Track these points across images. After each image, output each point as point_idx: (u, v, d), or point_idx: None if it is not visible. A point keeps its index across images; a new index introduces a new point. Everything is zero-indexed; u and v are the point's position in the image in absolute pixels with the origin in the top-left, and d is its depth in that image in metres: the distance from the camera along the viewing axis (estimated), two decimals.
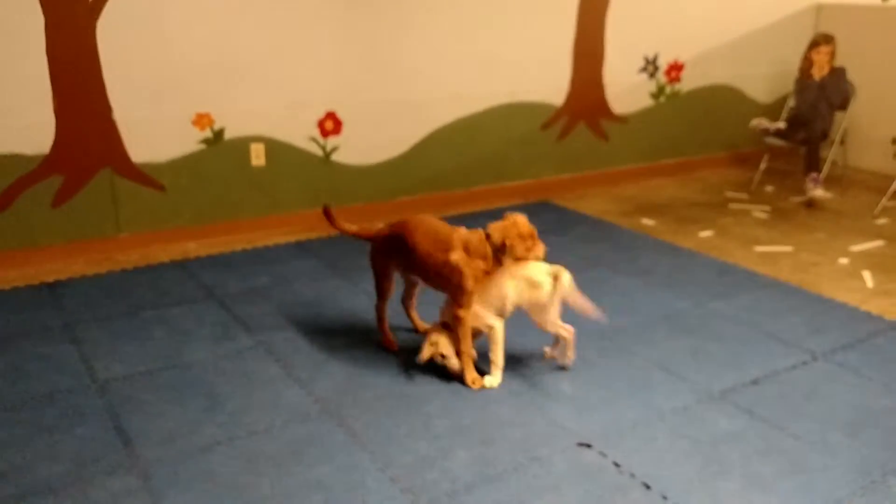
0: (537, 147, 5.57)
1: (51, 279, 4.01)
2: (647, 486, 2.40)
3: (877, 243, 4.62)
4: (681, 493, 2.38)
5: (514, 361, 3.16)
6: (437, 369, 3.07)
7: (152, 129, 4.33)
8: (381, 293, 3.24)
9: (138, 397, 2.89)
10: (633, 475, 2.46)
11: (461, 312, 2.95)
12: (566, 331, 3.05)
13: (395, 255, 3.12)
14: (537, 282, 2.98)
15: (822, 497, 2.37)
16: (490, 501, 2.33)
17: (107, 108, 4.21)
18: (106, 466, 2.49)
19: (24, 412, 2.79)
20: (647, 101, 5.94)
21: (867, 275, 4.14)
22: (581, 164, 5.81)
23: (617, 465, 2.51)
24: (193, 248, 4.48)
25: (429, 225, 3.07)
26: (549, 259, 4.31)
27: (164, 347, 3.29)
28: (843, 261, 4.34)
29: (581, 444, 2.62)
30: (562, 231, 4.79)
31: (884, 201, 5.25)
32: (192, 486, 2.39)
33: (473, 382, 2.97)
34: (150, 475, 2.44)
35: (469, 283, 2.93)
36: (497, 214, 5.05)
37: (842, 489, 2.41)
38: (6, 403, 2.84)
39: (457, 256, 2.94)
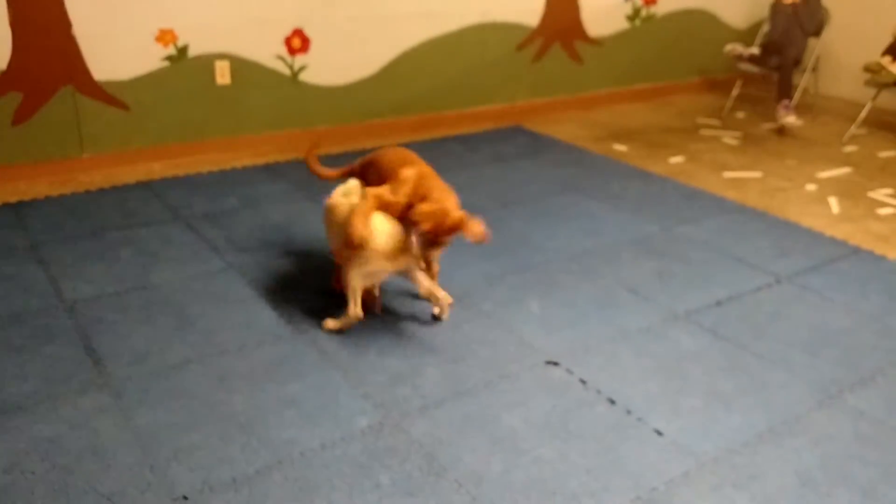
0: (511, 69, 5.49)
1: (13, 200, 3.92)
2: (612, 402, 2.47)
3: (844, 170, 4.68)
4: (644, 408, 2.44)
5: (482, 285, 3.19)
6: (409, 292, 3.09)
7: (114, 46, 4.19)
8: None
9: (107, 317, 2.88)
10: (598, 391, 2.52)
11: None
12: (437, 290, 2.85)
13: (368, 180, 3.00)
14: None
15: (781, 412, 2.45)
16: (460, 415, 2.38)
17: (66, 23, 4.05)
18: (76, 385, 2.49)
19: None
20: (623, 24, 5.86)
21: (833, 201, 4.20)
22: (555, 87, 5.75)
23: (583, 381, 2.57)
24: (159, 168, 4.40)
25: (401, 151, 3.02)
26: (521, 182, 4.32)
27: (132, 268, 3.25)
28: (811, 187, 4.40)
29: (549, 362, 2.67)
30: (534, 156, 4.78)
31: (853, 129, 5.29)
32: (164, 403, 2.41)
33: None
34: (122, 393, 2.45)
35: (393, 193, 2.77)
36: (469, 139, 5.05)
37: (800, 404, 2.49)
38: None
39: (409, 173, 2.83)
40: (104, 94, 4.25)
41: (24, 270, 3.21)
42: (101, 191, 4.07)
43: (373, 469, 2.16)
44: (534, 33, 5.49)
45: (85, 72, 4.17)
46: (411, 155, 3.03)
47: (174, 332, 2.80)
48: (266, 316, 2.92)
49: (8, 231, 3.56)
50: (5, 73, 3.98)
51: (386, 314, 2.94)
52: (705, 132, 5.37)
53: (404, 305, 3.01)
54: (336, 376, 2.56)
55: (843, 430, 2.37)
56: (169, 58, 4.34)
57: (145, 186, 4.13)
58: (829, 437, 2.35)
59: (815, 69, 5.65)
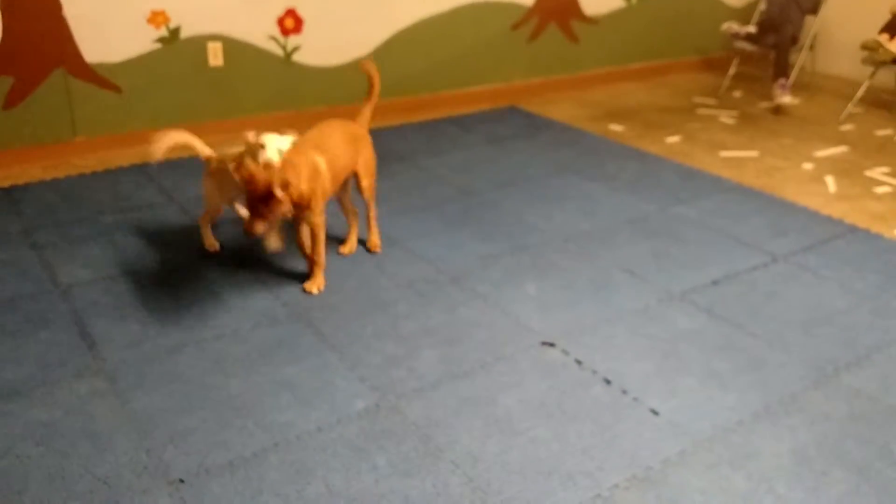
0: (506, 49, 5.46)
1: (6, 184, 3.90)
2: (608, 382, 2.47)
3: (841, 149, 4.66)
4: (640, 387, 2.45)
5: (477, 266, 3.19)
6: (401, 273, 3.08)
7: (106, 27, 4.15)
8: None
9: (102, 301, 2.87)
10: (594, 371, 2.52)
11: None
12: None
13: None
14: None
15: (777, 391, 2.45)
16: (456, 397, 2.38)
17: (56, 5, 4.01)
18: (72, 369, 2.48)
19: None
20: (619, 3, 5.81)
21: (830, 179, 4.19)
22: (551, 67, 5.71)
23: (579, 362, 2.57)
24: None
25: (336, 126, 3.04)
26: (517, 164, 4.30)
27: (127, 252, 3.24)
28: (808, 166, 4.38)
29: (545, 343, 2.67)
30: (530, 136, 4.76)
31: (850, 107, 5.26)
32: (160, 387, 2.40)
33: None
34: (117, 377, 2.45)
35: None
36: (464, 120, 5.03)
37: (796, 384, 2.49)
38: None
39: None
40: (96, 76, 4.22)
41: (18, 255, 3.20)
42: (95, 174, 4.05)
43: (369, 451, 2.16)
44: (529, 12, 5.45)
45: (76, 54, 4.14)
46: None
47: (169, 315, 2.79)
48: (261, 298, 2.91)
49: (1, 216, 3.55)
50: None
51: (378, 296, 2.94)
52: (702, 111, 5.35)
53: (398, 288, 3.00)
54: (332, 359, 2.56)
55: (839, 409, 2.38)
56: (161, 39, 4.30)
57: (139, 170, 4.11)
58: (825, 415, 2.35)
59: (812, 47, 5.62)
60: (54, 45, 4.07)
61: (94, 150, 4.31)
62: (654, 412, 2.34)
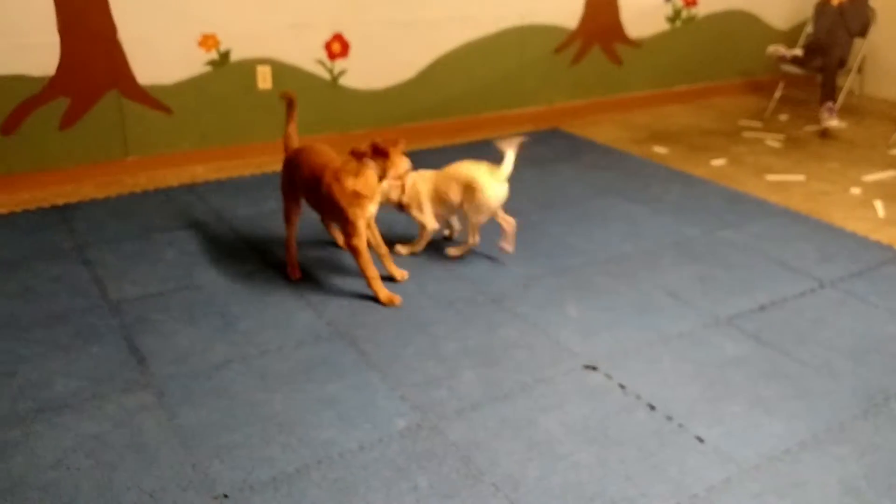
0: (550, 72, 5.48)
1: (61, 202, 4.02)
2: (652, 407, 2.44)
3: (890, 173, 4.57)
4: (685, 414, 2.42)
5: (519, 288, 3.19)
6: (442, 293, 3.09)
7: (158, 51, 4.27)
8: (286, 218, 3.23)
9: (151, 317, 2.93)
10: (638, 396, 2.50)
11: (355, 242, 2.96)
12: (507, 223, 3.35)
13: (293, 179, 3.15)
14: (479, 185, 3.22)
15: (825, 419, 2.40)
16: (497, 419, 2.38)
17: (111, 29, 4.14)
18: (121, 383, 2.54)
19: (39, 331, 2.83)
20: (663, 25, 5.81)
21: (879, 204, 4.11)
22: (594, 89, 5.71)
23: (622, 386, 2.55)
24: (201, 171, 4.47)
25: (316, 150, 3.11)
26: (559, 185, 4.31)
27: (176, 269, 3.31)
28: (855, 190, 4.31)
29: (587, 367, 2.65)
30: (573, 158, 4.76)
31: None
32: (206, 402, 2.44)
33: (390, 301, 3.02)
34: (165, 392, 2.50)
35: (350, 211, 2.92)
36: None
37: (845, 412, 2.44)
38: (21, 322, 2.89)
39: (329, 179, 2.95)
40: (148, 98, 4.34)
41: (71, 271, 3.29)
42: (146, 193, 4.15)
43: (410, 471, 2.17)
44: (572, 35, 5.47)
45: (130, 76, 4.26)
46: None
47: (216, 332, 2.84)
48: (306, 316, 2.95)
49: (55, 232, 3.65)
50: (54, 78, 4.08)
51: (419, 316, 2.96)
52: (747, 135, 5.30)
53: (439, 308, 3.02)
54: (374, 377, 2.58)
55: (890, 439, 2.32)
56: (211, 62, 4.41)
57: (188, 189, 4.20)
58: (875, 445, 2.30)
59: (860, 70, 5.54)
60: (109, 67, 4.20)
61: (144, 170, 4.43)
62: (700, 439, 2.31)
